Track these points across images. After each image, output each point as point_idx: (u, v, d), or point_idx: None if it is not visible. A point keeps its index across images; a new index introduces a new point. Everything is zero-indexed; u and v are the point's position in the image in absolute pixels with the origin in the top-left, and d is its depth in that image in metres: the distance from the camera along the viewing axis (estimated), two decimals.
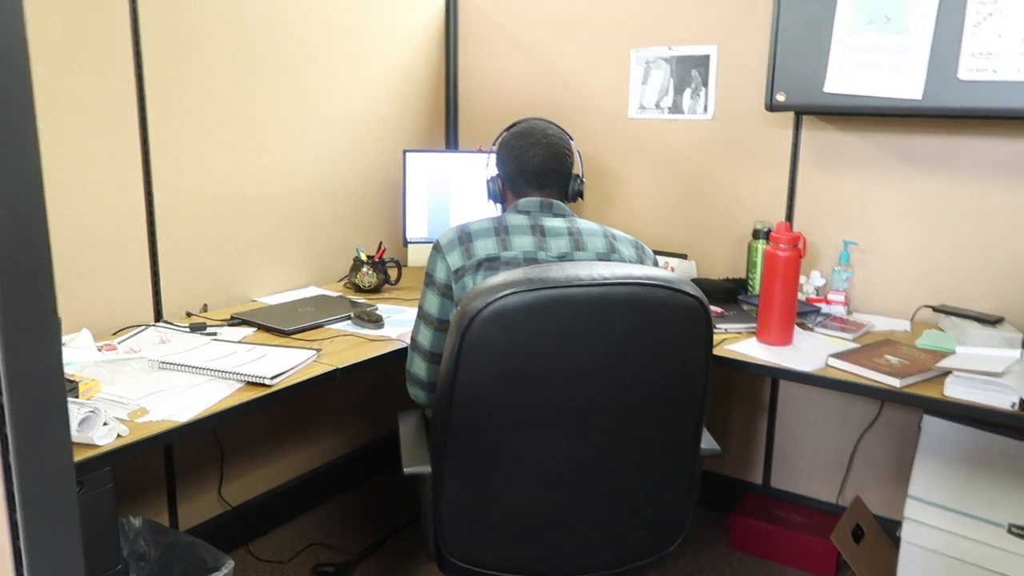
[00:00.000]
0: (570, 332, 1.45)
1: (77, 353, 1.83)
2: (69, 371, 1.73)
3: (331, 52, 2.60)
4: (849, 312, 2.46)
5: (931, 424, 2.20)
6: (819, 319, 2.33)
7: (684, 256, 2.73)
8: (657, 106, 2.72)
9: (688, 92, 2.66)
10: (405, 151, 2.66)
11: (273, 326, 2.13)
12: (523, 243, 1.71)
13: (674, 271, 2.64)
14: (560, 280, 1.43)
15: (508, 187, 1.85)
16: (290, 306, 2.34)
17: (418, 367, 1.78)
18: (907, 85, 1.99)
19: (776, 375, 2.00)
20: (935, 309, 2.32)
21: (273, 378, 1.75)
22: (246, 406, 1.68)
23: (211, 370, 1.77)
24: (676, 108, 2.69)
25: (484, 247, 1.70)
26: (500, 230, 1.73)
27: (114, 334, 2.09)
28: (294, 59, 2.49)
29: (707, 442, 1.78)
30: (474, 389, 1.49)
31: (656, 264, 1.82)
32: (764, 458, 2.77)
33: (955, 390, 1.81)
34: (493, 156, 1.90)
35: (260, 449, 2.61)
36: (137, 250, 2.16)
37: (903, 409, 2.49)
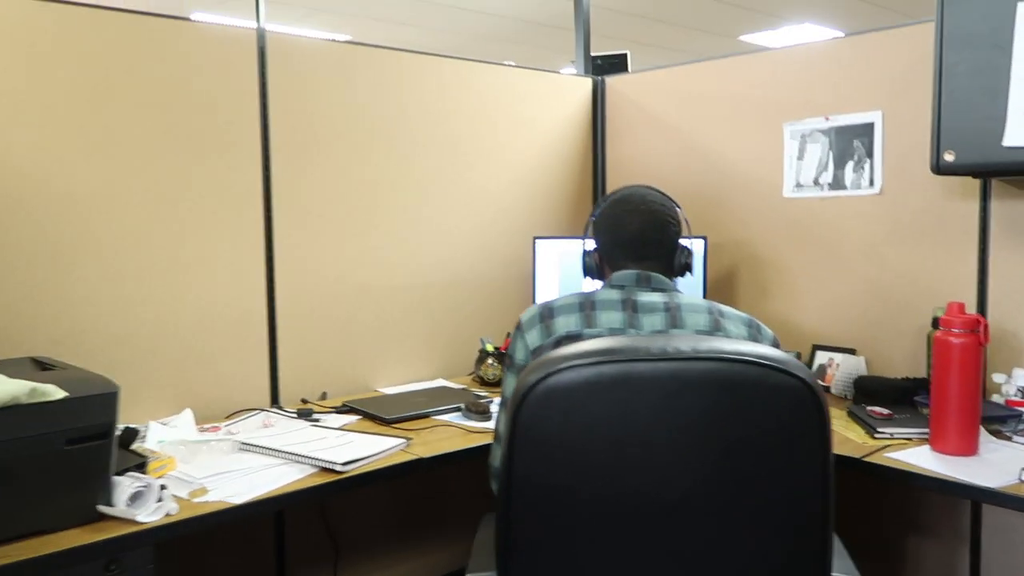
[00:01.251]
0: (640, 414, 1.21)
1: (173, 432, 1.83)
2: (155, 448, 1.72)
3: (464, 141, 2.59)
4: None
5: None
6: (1020, 426, 1.87)
7: (852, 351, 2.34)
8: (816, 183, 2.43)
9: (850, 165, 2.35)
10: (535, 238, 2.54)
11: (375, 414, 2.03)
12: (610, 319, 1.51)
13: (839, 367, 2.28)
14: (627, 352, 1.21)
15: (605, 260, 1.65)
16: (405, 396, 2.25)
17: (496, 458, 1.59)
18: None
19: (947, 490, 1.59)
20: None
21: (345, 464, 1.63)
22: (311, 492, 1.57)
23: (286, 453, 1.69)
24: (837, 184, 2.38)
25: (566, 323, 1.52)
26: (586, 305, 1.53)
27: (228, 416, 2.09)
28: (425, 148, 2.49)
29: (843, 567, 1.42)
30: (532, 481, 1.27)
31: (777, 347, 1.53)
32: None
33: None
34: (591, 228, 1.72)
35: (378, 551, 2.49)
36: (257, 336, 2.17)
37: None
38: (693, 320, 1.50)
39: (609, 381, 1.21)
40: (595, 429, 1.23)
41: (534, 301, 2.57)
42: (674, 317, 1.50)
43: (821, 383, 2.35)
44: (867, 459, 1.71)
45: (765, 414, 1.21)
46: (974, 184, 2.12)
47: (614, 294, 1.55)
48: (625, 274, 1.59)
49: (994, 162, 1.78)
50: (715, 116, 2.67)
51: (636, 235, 1.60)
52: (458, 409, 2.11)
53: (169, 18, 2.00)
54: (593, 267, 1.69)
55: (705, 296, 2.48)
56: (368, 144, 2.36)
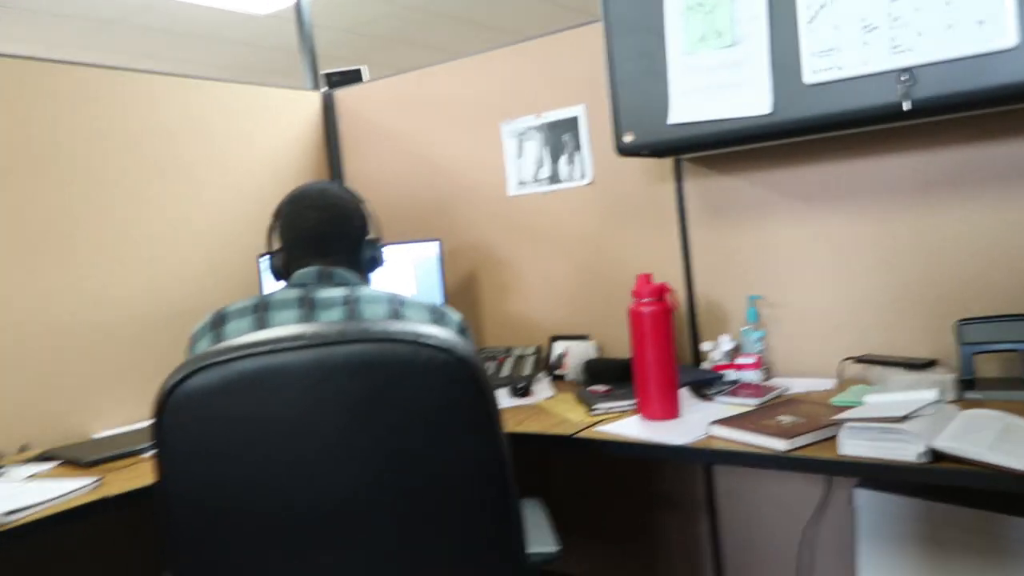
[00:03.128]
0: (285, 412, 1.15)
1: None
2: None
3: (175, 161, 2.43)
4: (768, 377, 2.11)
5: (865, 500, 1.80)
6: (723, 387, 1.98)
7: (585, 337, 2.41)
8: (535, 179, 2.49)
9: (563, 159, 2.43)
10: (259, 257, 2.43)
11: (72, 458, 1.84)
12: (285, 319, 1.44)
13: (571, 354, 2.33)
14: (265, 344, 1.14)
15: (290, 259, 1.59)
16: (117, 437, 2.06)
17: None
18: (753, 101, 1.73)
19: (639, 453, 1.64)
20: (857, 360, 1.96)
21: (7, 515, 1.45)
22: None
23: None
24: (554, 178, 2.45)
25: (237, 329, 1.43)
26: (260, 307, 1.46)
27: None
28: (131, 171, 2.32)
29: (541, 542, 1.41)
30: (185, 499, 1.17)
31: (464, 333, 1.52)
32: (713, 567, 2.33)
33: (850, 446, 1.44)
34: (276, 230, 1.64)
35: None
36: None
37: (847, 484, 2.08)
38: (372, 311, 1.46)
39: (249, 377, 1.13)
40: (240, 433, 1.14)
41: None
42: (352, 310, 1.45)
43: (560, 371, 2.40)
44: (577, 435, 1.74)
45: (418, 394, 1.17)
46: (668, 166, 2.25)
47: (292, 293, 1.48)
48: (306, 271, 1.53)
49: (664, 139, 1.89)
50: (441, 121, 2.69)
51: (313, 230, 1.55)
52: None
53: None
54: (279, 268, 1.62)
55: (446, 301, 2.47)
56: (57, 169, 2.16)
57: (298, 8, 3.04)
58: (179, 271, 2.42)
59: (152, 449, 1.16)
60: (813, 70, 1.65)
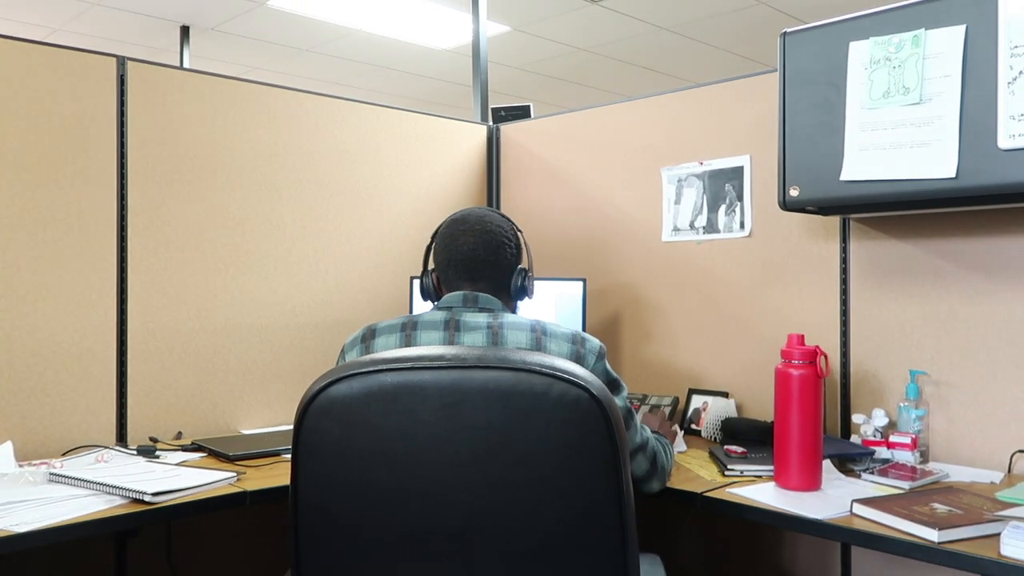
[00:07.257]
0: (421, 427, 1.16)
1: None
2: None
3: (342, 181, 2.55)
4: (924, 460, 1.95)
5: None
6: (872, 465, 1.85)
7: (725, 394, 2.32)
8: (691, 226, 2.44)
9: (722, 209, 2.36)
10: (412, 278, 2.50)
11: (219, 451, 1.95)
12: (430, 339, 1.47)
13: (709, 410, 2.25)
14: (408, 360, 1.17)
15: (442, 281, 1.63)
16: (261, 436, 2.17)
17: None
18: (936, 163, 1.63)
19: (772, 522, 1.55)
20: None
21: (155, 495, 1.54)
22: (111, 521, 1.48)
23: (96, 484, 1.59)
24: (711, 227, 2.39)
25: (385, 344, 1.48)
26: (408, 326, 1.50)
27: (65, 453, 1.98)
28: (301, 187, 2.45)
29: None
30: (316, 501, 1.21)
31: (602, 359, 1.50)
32: None
33: (1014, 547, 1.30)
34: (431, 250, 1.69)
35: None
36: (103, 371, 2.08)
37: None
38: (514, 338, 1.46)
39: (390, 390, 1.16)
40: (376, 443, 1.17)
41: None
42: (495, 335, 1.46)
43: (695, 426, 2.32)
44: (707, 494, 1.67)
45: (549, 427, 1.16)
46: (834, 225, 2.15)
47: (439, 315, 1.51)
48: (453, 295, 1.56)
49: (834, 196, 1.80)
50: (601, 161, 2.69)
51: (468, 254, 1.58)
52: None
53: (24, 41, 1.97)
54: (430, 289, 1.66)
55: None
56: (238, 180, 2.33)
57: (475, 44, 3.16)
58: (336, 285, 2.54)
59: (291, 450, 1.21)
60: (1010, 134, 1.53)
